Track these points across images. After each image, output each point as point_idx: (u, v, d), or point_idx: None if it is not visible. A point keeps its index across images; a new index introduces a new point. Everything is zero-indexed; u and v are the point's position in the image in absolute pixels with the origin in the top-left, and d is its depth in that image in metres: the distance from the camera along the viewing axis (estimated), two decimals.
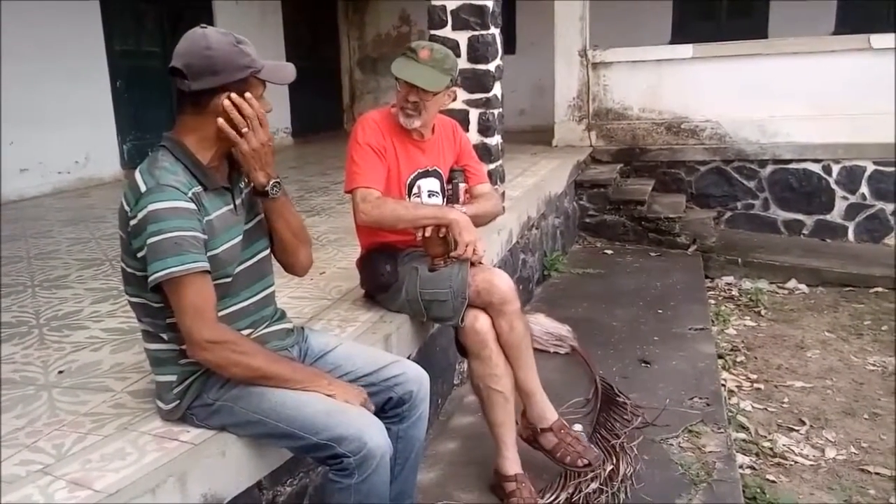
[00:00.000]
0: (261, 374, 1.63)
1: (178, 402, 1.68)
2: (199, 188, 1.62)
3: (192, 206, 1.57)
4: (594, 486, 2.37)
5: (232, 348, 1.59)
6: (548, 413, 2.45)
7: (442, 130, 2.59)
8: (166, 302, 1.59)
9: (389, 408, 1.84)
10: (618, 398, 2.99)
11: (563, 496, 2.34)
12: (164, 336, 1.67)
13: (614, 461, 2.49)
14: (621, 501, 2.36)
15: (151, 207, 1.52)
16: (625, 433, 2.70)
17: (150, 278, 1.53)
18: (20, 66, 5.14)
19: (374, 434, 1.60)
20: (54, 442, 1.65)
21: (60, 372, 2.09)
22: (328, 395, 1.65)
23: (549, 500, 2.33)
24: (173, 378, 1.68)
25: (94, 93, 5.89)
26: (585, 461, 2.36)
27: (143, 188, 1.55)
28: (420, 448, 1.96)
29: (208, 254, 1.59)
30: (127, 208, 1.58)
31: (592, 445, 2.51)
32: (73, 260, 3.47)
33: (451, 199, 2.53)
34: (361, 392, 1.73)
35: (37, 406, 1.86)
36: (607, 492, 2.37)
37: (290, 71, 1.72)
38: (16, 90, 5.11)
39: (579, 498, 2.34)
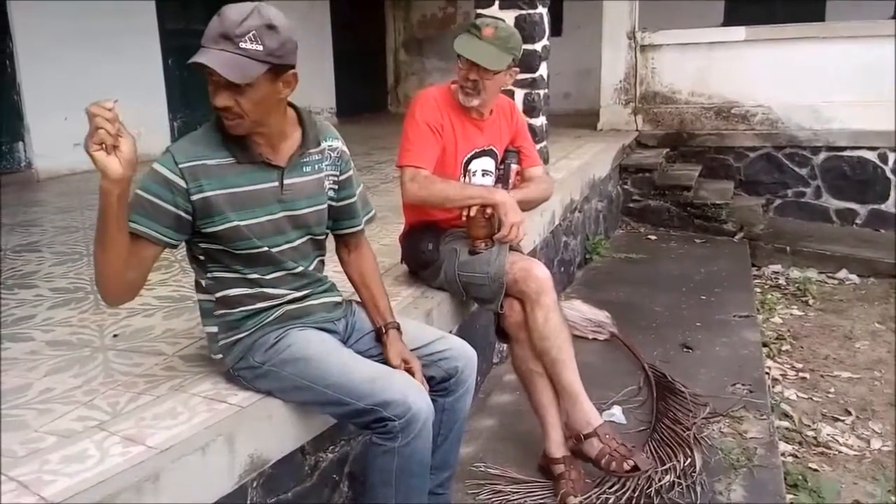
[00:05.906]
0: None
1: (221, 356, 1.76)
2: (224, 160, 1.64)
3: (177, 178, 1.59)
4: (669, 479, 2.26)
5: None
6: (592, 417, 2.28)
7: (500, 110, 2.56)
8: (206, 254, 1.69)
9: (435, 383, 1.86)
10: (673, 386, 2.93)
11: (623, 494, 2.22)
12: (204, 286, 1.75)
13: (690, 453, 2.39)
14: (699, 495, 2.25)
15: (153, 165, 1.63)
16: (694, 424, 2.60)
17: None
18: (77, 46, 5.28)
19: (417, 398, 1.63)
20: (109, 400, 1.72)
21: (115, 335, 2.17)
22: None
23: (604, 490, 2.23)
24: (215, 329, 1.76)
25: (147, 71, 6.01)
26: (631, 463, 2.18)
27: None
28: (463, 420, 1.98)
29: (225, 225, 1.62)
30: None
31: (639, 449, 2.34)
32: None
33: (502, 179, 2.51)
34: None
35: (93, 367, 1.93)
36: (683, 485, 2.27)
37: None
38: (71, 68, 5.24)
39: (640, 495, 2.21)
